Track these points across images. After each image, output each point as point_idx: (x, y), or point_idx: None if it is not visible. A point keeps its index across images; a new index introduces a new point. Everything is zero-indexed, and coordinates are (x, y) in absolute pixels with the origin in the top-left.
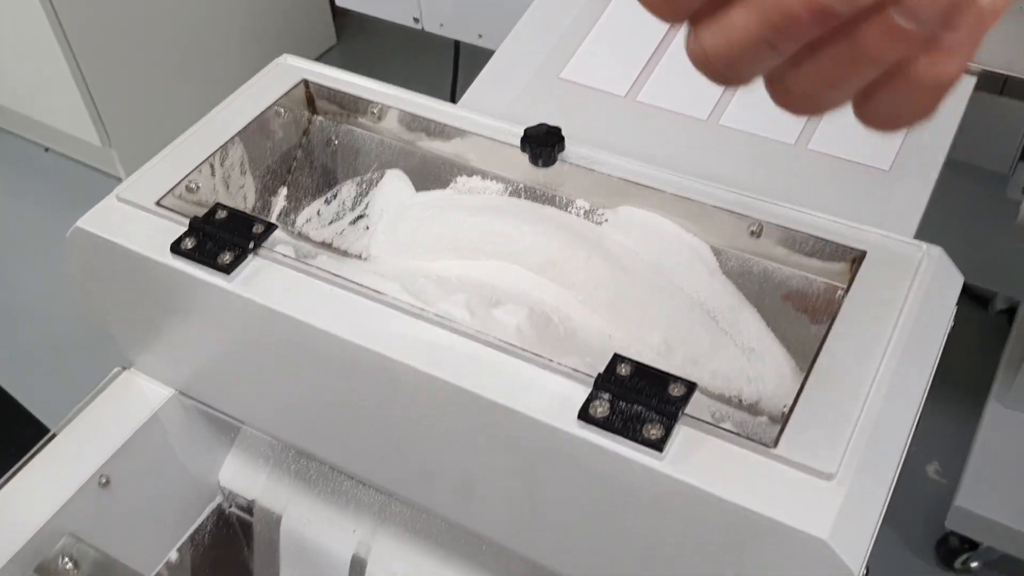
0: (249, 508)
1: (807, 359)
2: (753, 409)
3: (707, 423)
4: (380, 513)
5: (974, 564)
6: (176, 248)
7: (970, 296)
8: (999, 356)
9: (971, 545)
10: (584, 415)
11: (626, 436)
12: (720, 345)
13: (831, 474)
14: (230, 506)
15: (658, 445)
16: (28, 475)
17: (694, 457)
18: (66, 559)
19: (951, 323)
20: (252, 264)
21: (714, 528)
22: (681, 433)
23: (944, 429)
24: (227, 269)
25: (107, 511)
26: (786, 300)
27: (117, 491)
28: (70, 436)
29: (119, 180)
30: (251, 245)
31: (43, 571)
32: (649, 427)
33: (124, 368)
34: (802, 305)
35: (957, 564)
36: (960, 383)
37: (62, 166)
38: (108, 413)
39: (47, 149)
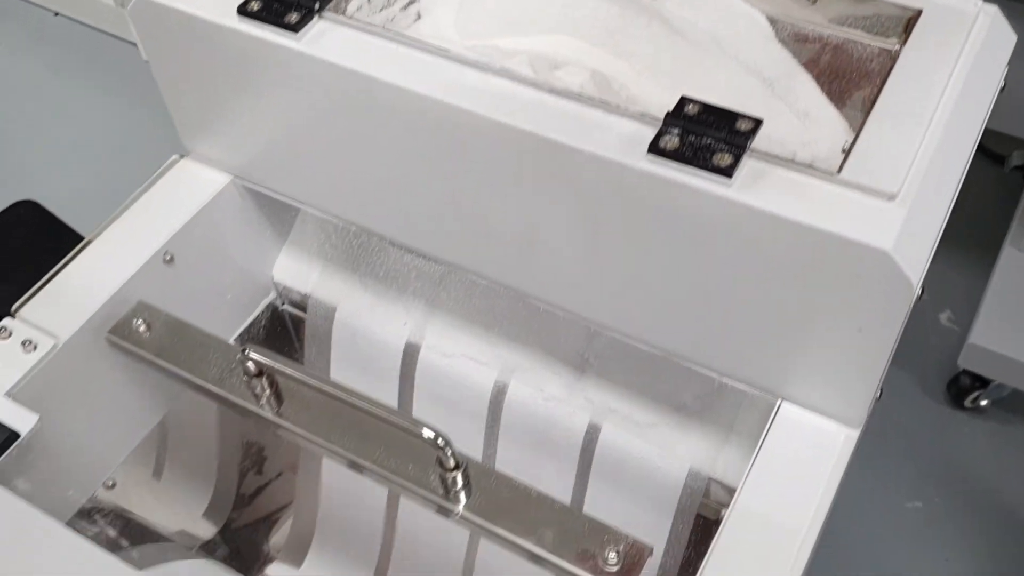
0: (302, 304)
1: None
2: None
3: (774, 156)
4: (432, 301)
5: (983, 402)
6: (243, 9)
7: (986, 154)
8: (1013, 213)
9: (981, 383)
10: (654, 148)
11: (696, 165)
12: (775, 111)
13: (893, 194)
14: (283, 303)
15: (727, 171)
16: (95, 251)
17: (762, 185)
18: (139, 321)
19: (1003, 82)
20: (318, 26)
21: (781, 252)
22: (748, 165)
23: (957, 280)
24: (295, 28)
25: (172, 289)
26: (841, 65)
27: (180, 270)
28: (133, 215)
29: (133, 45)
30: (316, 6)
31: (117, 332)
32: (718, 156)
33: (181, 156)
34: (857, 69)
35: (967, 402)
36: (974, 238)
37: (73, 30)
38: (169, 196)
39: (56, 14)
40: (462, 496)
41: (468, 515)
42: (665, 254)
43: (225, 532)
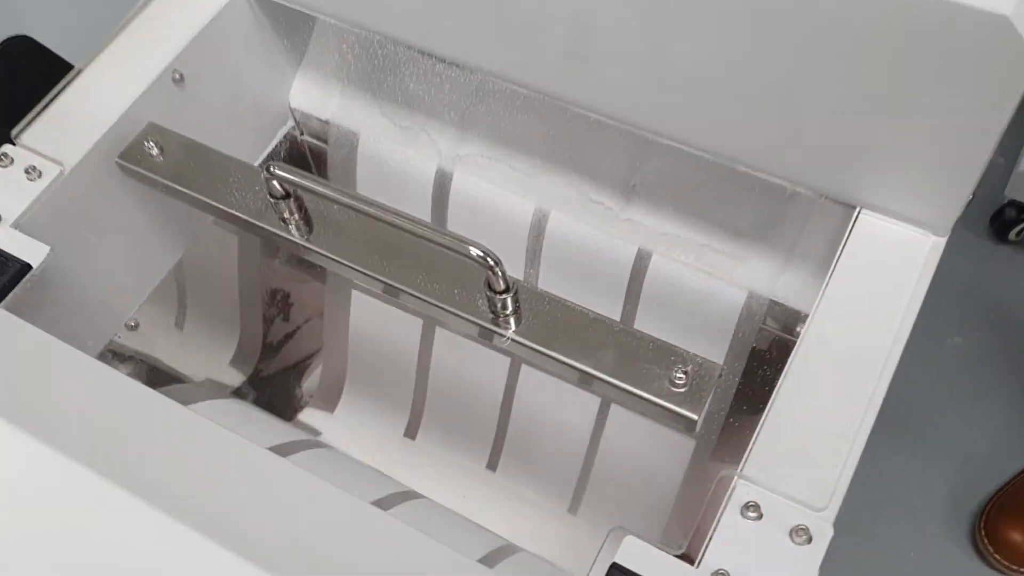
0: (322, 134)
1: None
2: None
3: None
4: (464, 121)
5: None
6: None
7: None
8: None
9: None
10: None
11: None
12: None
13: None
14: (302, 133)
15: None
16: (98, 71)
17: None
18: (151, 143)
19: None
20: None
21: (880, 25)
22: None
23: None
24: None
25: (183, 113)
26: None
27: (191, 92)
28: (137, 32)
29: None
30: None
31: (128, 156)
32: None
33: None
34: None
35: (1011, 235)
36: None
37: None
38: (173, 9)
39: None
40: (512, 321)
41: (519, 339)
42: (742, 37)
43: (254, 380)
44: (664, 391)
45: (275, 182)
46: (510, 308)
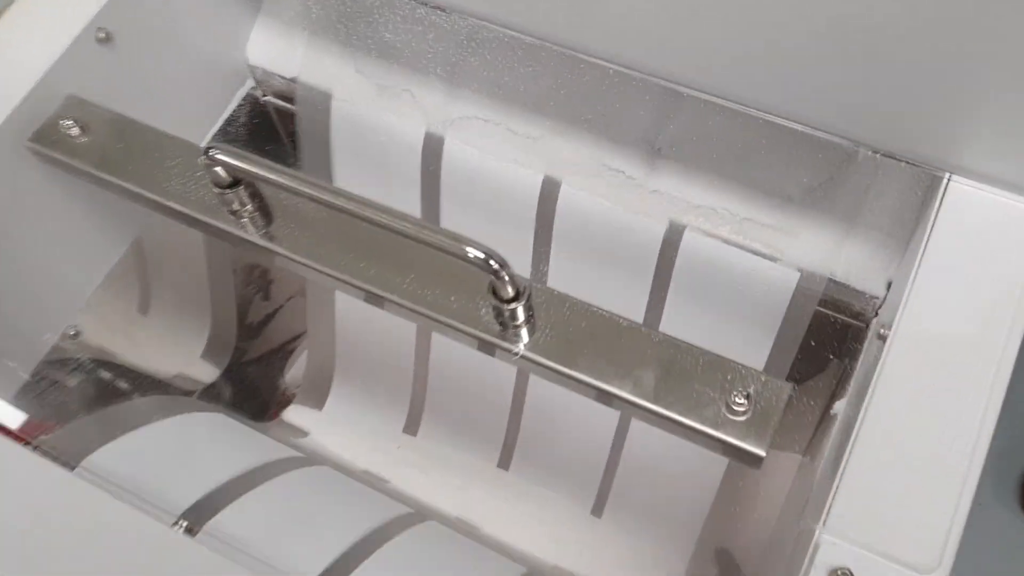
0: (288, 94)
1: None
2: None
3: None
4: (455, 76)
5: None
6: None
7: None
8: None
9: None
10: None
11: None
12: None
13: None
14: (264, 93)
15: None
16: (5, 27)
17: None
18: (69, 121)
19: None
20: None
21: None
22: None
23: None
24: None
25: (114, 80)
26: None
27: (122, 53)
28: None
29: None
30: None
31: (41, 138)
32: None
33: None
34: None
35: None
36: None
37: None
38: None
39: None
40: (524, 332)
41: (534, 356)
42: None
43: (233, 370)
44: (720, 420)
45: (218, 168)
46: (521, 318)
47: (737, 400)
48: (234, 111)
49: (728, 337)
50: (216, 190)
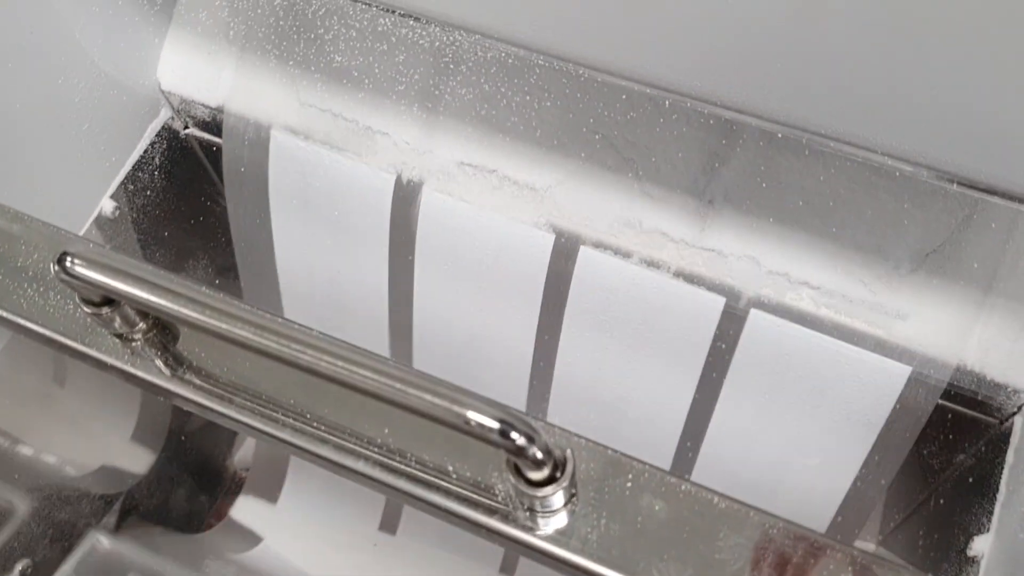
0: (214, 124)
1: None
2: None
3: None
4: (433, 105)
5: None
6: None
7: None
8: None
9: None
10: None
11: None
12: None
13: None
14: (186, 126)
15: None
16: None
17: None
18: None
19: None
20: None
21: None
22: None
23: None
24: None
25: None
26: None
27: None
28: None
29: None
30: None
31: None
32: None
33: None
34: None
35: None
36: None
37: None
38: None
39: None
40: (559, 518)
41: (564, 554)
42: None
43: (170, 457)
44: None
45: (80, 282)
46: (558, 505)
47: None
48: (147, 149)
49: (809, 442)
50: (87, 309)
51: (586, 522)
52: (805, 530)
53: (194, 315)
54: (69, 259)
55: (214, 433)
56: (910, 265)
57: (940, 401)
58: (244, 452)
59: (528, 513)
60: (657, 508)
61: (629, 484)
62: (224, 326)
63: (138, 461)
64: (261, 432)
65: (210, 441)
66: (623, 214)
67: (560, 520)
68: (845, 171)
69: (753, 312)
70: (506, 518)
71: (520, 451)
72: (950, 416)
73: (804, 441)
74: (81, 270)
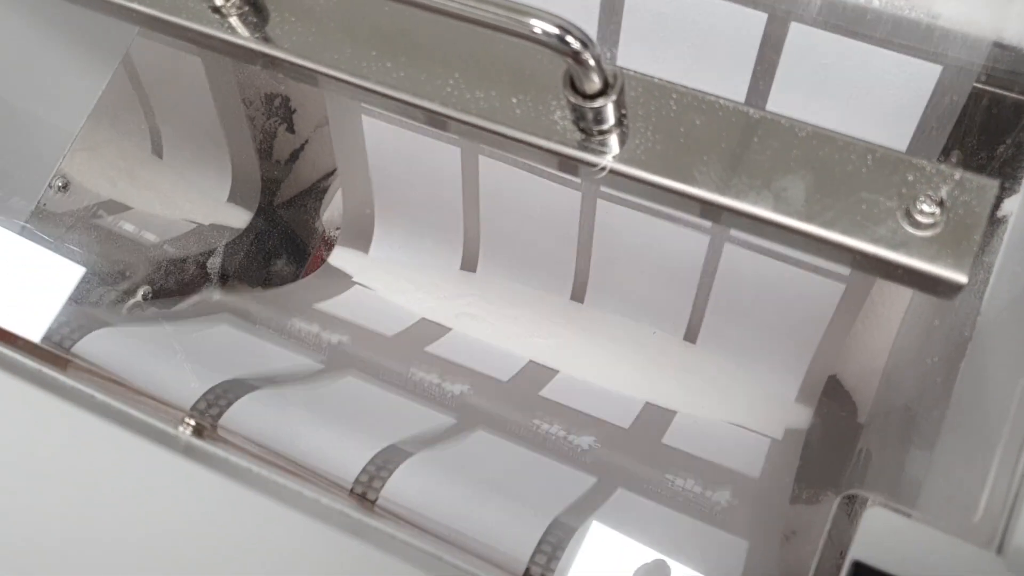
0: None
1: None
2: None
3: None
4: None
5: None
6: None
7: None
8: None
9: None
10: None
11: None
12: None
13: None
14: None
15: None
16: None
17: None
18: None
19: None
20: None
21: None
22: None
23: None
24: None
25: None
26: None
27: None
28: None
29: None
30: None
31: None
32: None
33: None
34: None
35: None
36: None
37: None
38: None
39: None
40: (613, 141)
41: (632, 171)
42: None
43: (266, 213)
44: (900, 238)
45: None
46: (610, 120)
47: (924, 209)
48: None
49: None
50: None
51: (637, 138)
52: (831, 132)
53: None
54: None
55: (303, 197)
56: None
57: (977, 86)
58: (332, 213)
59: (583, 135)
60: (698, 123)
61: (672, 106)
62: None
63: (237, 217)
64: (347, 83)
65: (299, 204)
66: None
67: (611, 140)
68: None
69: (793, 25)
70: (565, 140)
71: (576, 55)
72: (992, 100)
73: (847, 124)
74: None
